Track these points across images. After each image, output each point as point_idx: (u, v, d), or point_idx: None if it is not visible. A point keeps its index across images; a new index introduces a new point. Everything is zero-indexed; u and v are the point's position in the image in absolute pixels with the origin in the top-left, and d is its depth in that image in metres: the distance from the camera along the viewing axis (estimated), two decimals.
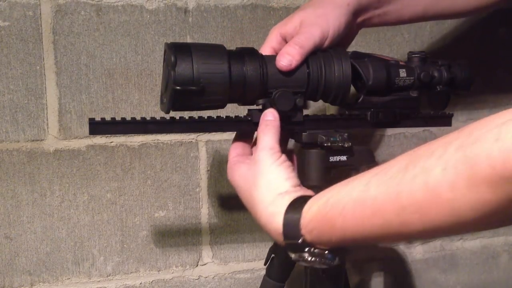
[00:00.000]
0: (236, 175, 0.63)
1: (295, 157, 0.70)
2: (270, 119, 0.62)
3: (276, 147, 0.61)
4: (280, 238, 0.56)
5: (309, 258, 0.55)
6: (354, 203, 0.48)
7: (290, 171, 0.60)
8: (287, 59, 0.63)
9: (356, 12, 0.69)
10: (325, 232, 0.52)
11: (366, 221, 0.48)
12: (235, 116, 0.66)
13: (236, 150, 0.66)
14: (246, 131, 0.67)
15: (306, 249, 0.55)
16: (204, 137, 0.96)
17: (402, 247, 1.12)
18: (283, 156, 0.61)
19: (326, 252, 0.55)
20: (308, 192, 0.59)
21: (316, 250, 0.55)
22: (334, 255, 0.55)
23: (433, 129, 1.06)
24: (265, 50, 0.67)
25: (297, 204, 0.56)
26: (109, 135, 0.91)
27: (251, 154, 0.65)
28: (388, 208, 0.45)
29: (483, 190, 0.39)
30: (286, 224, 0.55)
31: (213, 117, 0.64)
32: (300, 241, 0.54)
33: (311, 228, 0.53)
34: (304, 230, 0.54)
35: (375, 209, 0.46)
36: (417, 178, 0.43)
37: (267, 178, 0.59)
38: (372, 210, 0.47)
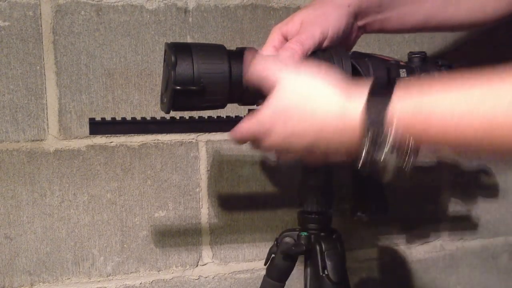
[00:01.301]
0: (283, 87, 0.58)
1: None
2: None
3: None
4: (360, 132, 0.54)
5: (388, 154, 0.53)
6: (461, 118, 0.50)
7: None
8: (290, 52, 0.63)
9: (357, 15, 0.69)
10: (416, 134, 0.52)
11: (468, 133, 0.50)
12: (235, 116, 0.66)
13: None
14: None
15: (389, 140, 0.53)
16: (204, 137, 0.96)
17: (402, 247, 1.12)
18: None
19: (408, 149, 0.53)
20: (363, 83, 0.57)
21: (397, 144, 0.53)
22: (415, 155, 0.54)
23: None
24: (267, 49, 0.67)
25: (378, 96, 0.54)
26: (109, 135, 0.91)
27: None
28: (500, 126, 0.49)
29: None
30: (369, 111, 0.53)
31: (213, 117, 0.64)
32: (385, 129, 0.52)
33: (402, 125, 0.52)
34: (390, 122, 0.52)
35: (486, 126, 0.49)
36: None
37: (324, 78, 0.58)
38: (484, 125, 0.49)
